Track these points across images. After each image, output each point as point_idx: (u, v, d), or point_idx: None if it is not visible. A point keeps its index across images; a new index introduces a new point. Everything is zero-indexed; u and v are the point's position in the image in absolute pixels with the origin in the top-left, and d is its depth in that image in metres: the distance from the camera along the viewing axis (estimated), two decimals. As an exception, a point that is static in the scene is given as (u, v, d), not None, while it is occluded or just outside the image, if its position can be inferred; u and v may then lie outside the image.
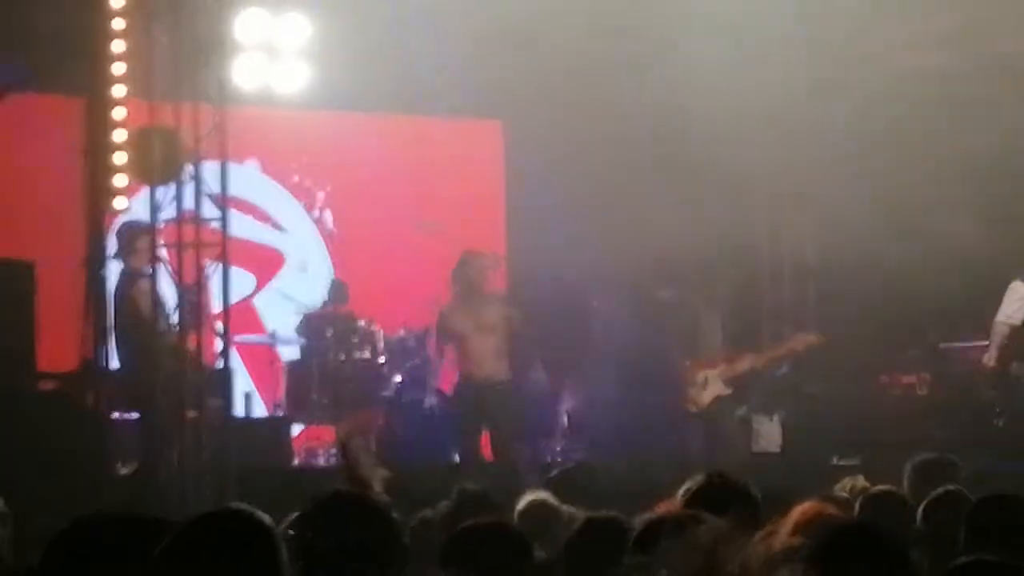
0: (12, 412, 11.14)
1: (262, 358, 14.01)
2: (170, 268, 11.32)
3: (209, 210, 11.40)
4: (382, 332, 13.76)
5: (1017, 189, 13.51)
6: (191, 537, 3.54)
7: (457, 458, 13.11)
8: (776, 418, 14.51)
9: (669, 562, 2.91)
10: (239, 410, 12.98)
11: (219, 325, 11.47)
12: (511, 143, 16.06)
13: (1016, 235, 13.23)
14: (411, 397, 13.46)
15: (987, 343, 13.19)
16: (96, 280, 12.13)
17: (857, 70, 14.34)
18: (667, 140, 14.15)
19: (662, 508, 4.74)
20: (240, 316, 13.00)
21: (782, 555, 2.95)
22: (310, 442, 13.71)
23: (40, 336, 11.58)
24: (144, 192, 11.55)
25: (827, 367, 14.41)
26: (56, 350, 12.03)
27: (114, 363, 11.89)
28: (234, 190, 11.91)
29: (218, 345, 11.55)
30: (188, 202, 11.31)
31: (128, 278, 11.72)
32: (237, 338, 12.38)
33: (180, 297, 11.27)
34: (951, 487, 6.44)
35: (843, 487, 7.51)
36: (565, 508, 6.60)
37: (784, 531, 4.06)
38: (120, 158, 11.43)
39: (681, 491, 5.02)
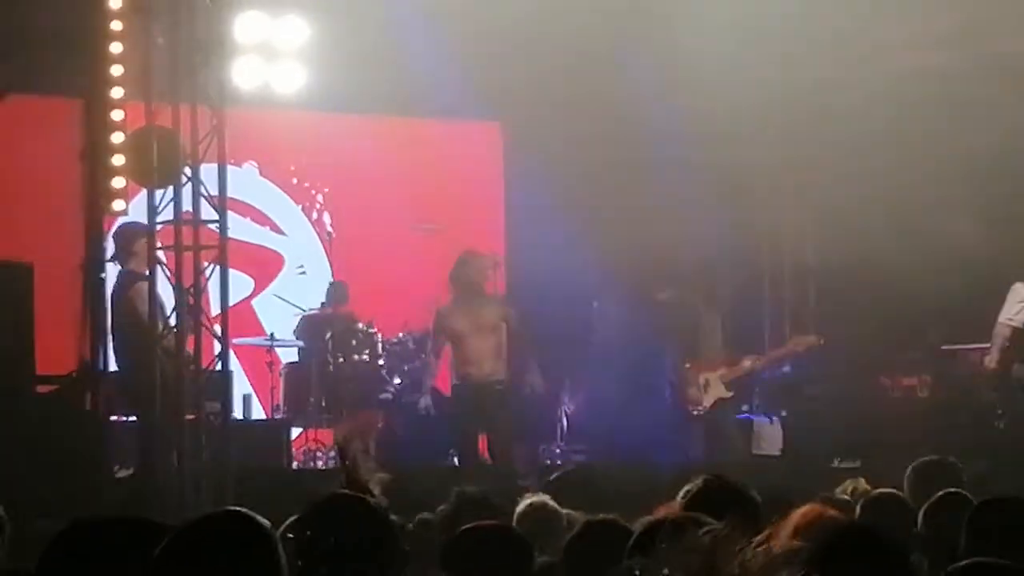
0: (11, 414, 11.14)
1: (261, 360, 13.99)
2: (168, 270, 11.29)
3: (207, 212, 11.37)
4: (381, 334, 13.76)
5: (1017, 189, 13.50)
6: (190, 539, 3.52)
7: (456, 460, 13.10)
8: (776, 420, 14.50)
9: (668, 565, 2.89)
10: (238, 412, 12.99)
11: (217, 327, 11.45)
12: (510, 144, 16.05)
13: (1016, 235, 13.22)
14: (410, 399, 13.44)
15: (988, 345, 13.18)
16: (94, 282, 12.14)
17: (857, 70, 14.32)
18: (667, 140, 14.13)
19: (662, 511, 4.72)
20: (239, 318, 12.99)
21: (782, 558, 2.93)
22: (309, 444, 13.69)
23: (39, 338, 11.57)
24: (142, 194, 11.52)
25: (827, 369, 14.40)
26: (55, 352, 12.03)
27: (112, 365, 11.90)
28: (233, 192, 11.88)
29: (216, 347, 11.52)
30: (186, 204, 11.29)
31: (126, 280, 11.69)
32: (236, 340, 12.35)
33: (178, 299, 11.24)
34: (952, 490, 6.42)
35: (844, 489, 7.51)
36: (565, 511, 6.58)
37: (784, 534, 4.03)
38: (118, 160, 11.40)
39: (681, 493, 5.00)
